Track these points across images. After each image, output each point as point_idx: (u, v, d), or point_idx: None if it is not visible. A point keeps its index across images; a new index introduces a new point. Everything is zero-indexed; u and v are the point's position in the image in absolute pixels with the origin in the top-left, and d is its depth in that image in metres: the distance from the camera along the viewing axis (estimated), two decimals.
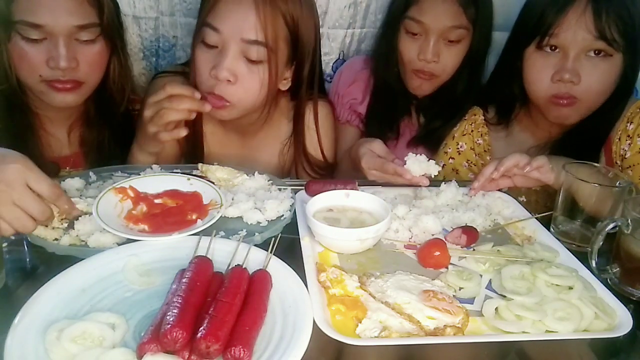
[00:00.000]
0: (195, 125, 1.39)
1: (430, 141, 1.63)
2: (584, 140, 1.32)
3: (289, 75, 1.33)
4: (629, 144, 1.29)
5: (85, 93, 1.31)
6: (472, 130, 1.53)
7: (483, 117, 1.53)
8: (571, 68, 1.24)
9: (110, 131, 1.43)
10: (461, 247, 1.01)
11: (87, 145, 1.43)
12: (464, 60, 1.51)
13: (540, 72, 1.30)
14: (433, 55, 1.46)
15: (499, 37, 1.67)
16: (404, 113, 1.66)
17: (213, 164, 1.20)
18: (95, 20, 1.25)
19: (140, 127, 1.25)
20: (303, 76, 1.35)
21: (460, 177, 1.52)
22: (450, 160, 1.54)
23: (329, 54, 1.75)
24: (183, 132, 1.18)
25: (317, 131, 1.46)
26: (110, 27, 1.30)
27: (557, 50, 1.27)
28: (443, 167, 1.53)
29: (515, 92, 1.42)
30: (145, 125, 1.18)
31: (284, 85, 1.35)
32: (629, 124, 1.30)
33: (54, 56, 1.19)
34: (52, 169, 1.32)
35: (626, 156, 1.29)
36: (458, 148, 1.53)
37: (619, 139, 1.31)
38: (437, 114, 1.62)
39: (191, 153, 1.41)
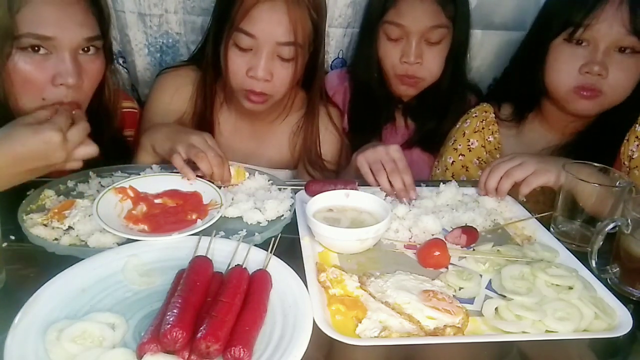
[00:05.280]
0: (206, 115, 1.43)
1: (426, 143, 1.63)
2: (596, 145, 1.33)
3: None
4: (637, 145, 1.30)
5: None
6: (482, 128, 1.53)
7: (494, 115, 1.53)
8: (601, 61, 1.26)
9: (104, 153, 1.31)
10: (461, 247, 1.01)
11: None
12: (447, 58, 1.52)
13: (568, 64, 1.31)
14: (416, 57, 1.46)
15: (498, 36, 1.69)
16: (388, 118, 1.65)
17: None
18: (99, 32, 1.18)
19: (161, 130, 1.26)
20: (318, 62, 1.40)
21: (470, 174, 1.52)
22: (461, 157, 1.53)
23: (327, 52, 1.75)
24: (191, 177, 1.12)
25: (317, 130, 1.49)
26: (109, 40, 1.26)
27: (584, 43, 1.28)
28: (452, 163, 1.54)
29: (531, 88, 1.41)
30: (180, 141, 1.15)
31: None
32: (637, 126, 1.31)
33: (61, 72, 1.11)
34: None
35: (634, 157, 1.30)
36: (469, 145, 1.53)
37: (627, 140, 1.32)
38: (429, 115, 1.62)
39: None
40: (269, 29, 1.24)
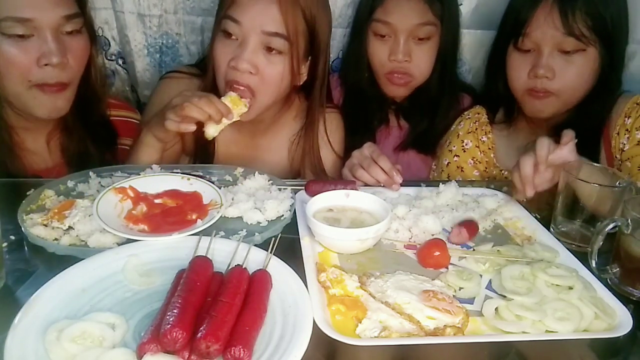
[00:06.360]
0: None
1: (420, 144, 1.63)
2: (580, 135, 1.33)
3: (305, 70, 1.36)
4: (628, 138, 1.32)
5: (71, 96, 1.24)
6: (476, 129, 1.55)
7: (486, 116, 1.55)
8: (545, 64, 1.30)
9: (91, 137, 1.37)
10: (464, 242, 1.01)
11: (69, 154, 1.36)
12: (437, 57, 1.53)
13: (518, 70, 1.36)
14: (404, 55, 1.47)
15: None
16: (381, 120, 1.66)
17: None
18: (78, 10, 1.20)
19: (156, 114, 1.26)
20: (317, 72, 1.38)
21: (465, 174, 1.54)
22: (455, 158, 1.56)
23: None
24: (191, 128, 1.15)
25: (324, 139, 1.48)
26: (90, 18, 1.28)
27: (530, 50, 1.32)
28: (447, 165, 1.55)
29: (500, 89, 1.45)
30: (167, 110, 1.16)
31: (300, 80, 1.37)
32: (626, 119, 1.33)
33: (45, 52, 1.14)
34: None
35: (625, 149, 1.32)
36: (463, 146, 1.55)
37: (618, 134, 1.34)
38: (421, 115, 1.62)
39: (201, 153, 1.42)
40: (255, 15, 1.22)
